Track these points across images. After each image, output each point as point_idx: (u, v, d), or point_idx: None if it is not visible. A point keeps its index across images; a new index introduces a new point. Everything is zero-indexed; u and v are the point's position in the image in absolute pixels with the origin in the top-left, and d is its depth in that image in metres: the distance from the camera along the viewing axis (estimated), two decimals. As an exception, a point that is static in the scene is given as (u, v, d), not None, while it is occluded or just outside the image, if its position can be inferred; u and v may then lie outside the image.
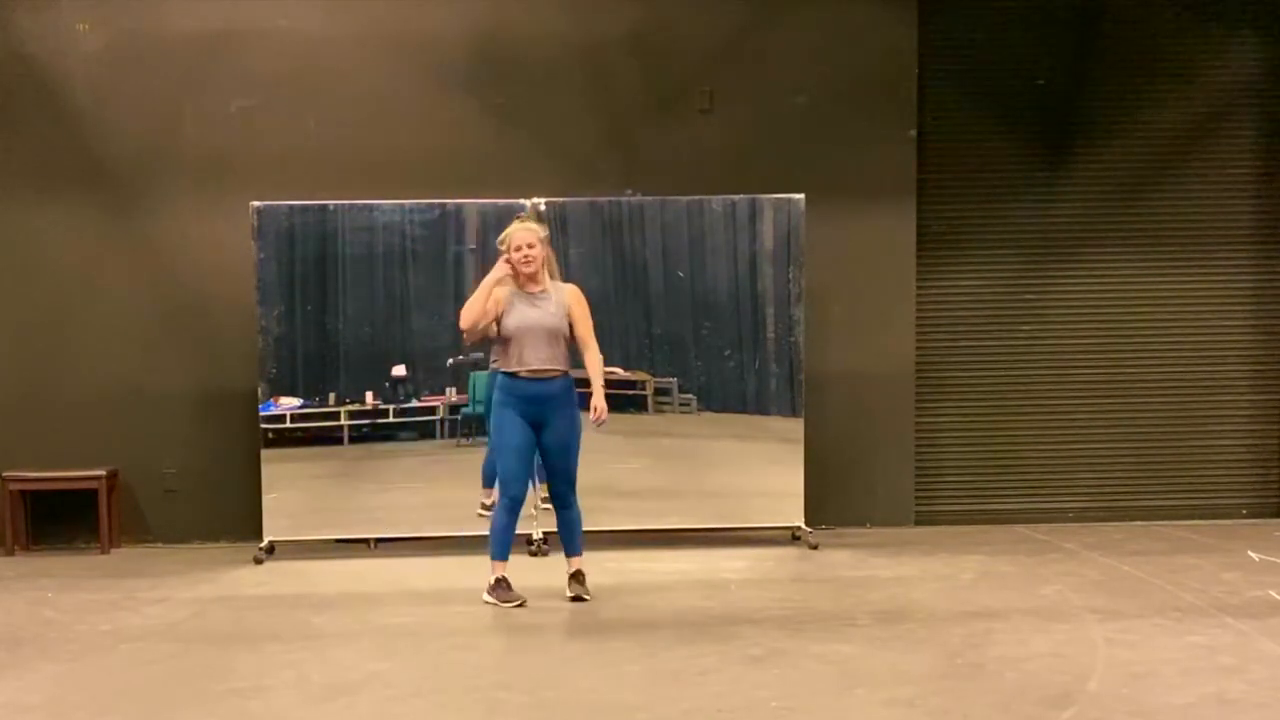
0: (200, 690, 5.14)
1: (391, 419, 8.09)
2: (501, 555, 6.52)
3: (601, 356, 6.53)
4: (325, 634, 6.03)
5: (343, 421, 8.06)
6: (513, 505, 6.47)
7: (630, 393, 8.10)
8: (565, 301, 6.47)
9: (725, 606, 6.47)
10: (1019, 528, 8.56)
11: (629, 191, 8.32)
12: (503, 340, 6.49)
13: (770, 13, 8.50)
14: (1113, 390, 8.80)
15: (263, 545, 7.86)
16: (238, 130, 8.31)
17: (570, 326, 6.45)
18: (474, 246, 8.03)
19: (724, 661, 5.43)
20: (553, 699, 4.96)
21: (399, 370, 8.08)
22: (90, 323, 8.33)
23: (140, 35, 8.28)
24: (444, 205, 8.08)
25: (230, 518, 8.28)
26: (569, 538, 6.67)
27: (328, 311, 8.05)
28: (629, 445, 8.12)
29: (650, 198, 8.23)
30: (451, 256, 8.12)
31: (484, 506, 7.91)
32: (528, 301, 6.43)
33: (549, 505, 7.50)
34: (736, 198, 8.16)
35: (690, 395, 8.24)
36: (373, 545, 8.13)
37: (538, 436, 6.46)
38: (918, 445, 8.68)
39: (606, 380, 6.58)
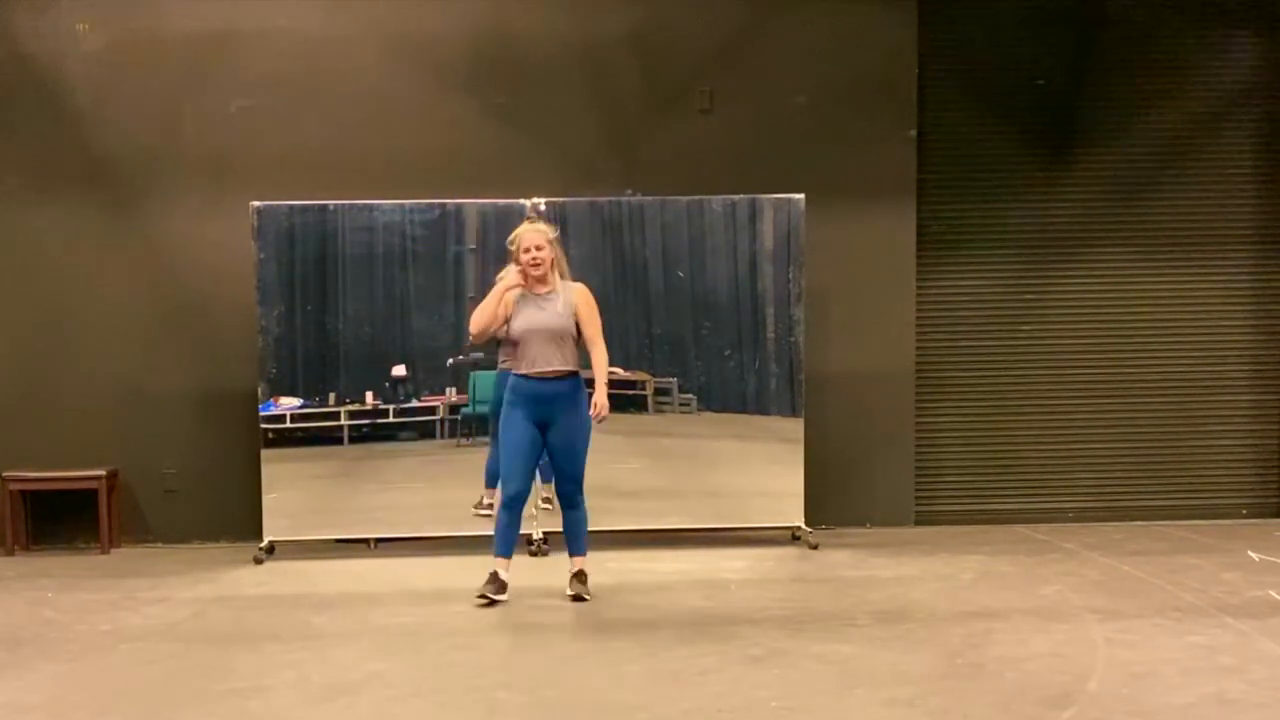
0: (200, 690, 5.14)
1: (391, 419, 8.10)
2: (500, 552, 6.53)
3: (607, 355, 6.55)
4: (325, 634, 6.03)
5: (343, 421, 8.07)
6: (511, 503, 6.47)
7: (630, 393, 8.10)
8: (573, 301, 6.47)
9: (725, 606, 6.47)
10: (1019, 528, 8.56)
11: (629, 191, 8.32)
12: (511, 342, 6.53)
13: (770, 13, 8.50)
14: (1112, 390, 8.80)
15: (263, 545, 7.86)
16: (238, 130, 8.31)
17: (578, 326, 6.47)
18: (474, 246, 8.04)
19: (724, 661, 5.43)
20: (553, 699, 4.96)
21: (399, 370, 8.08)
22: (90, 323, 8.33)
23: (140, 35, 8.28)
24: (444, 205, 8.09)
25: (230, 518, 8.28)
26: (573, 538, 6.67)
27: (328, 311, 8.06)
28: (629, 445, 8.13)
29: (650, 198, 8.24)
30: (451, 257, 8.13)
31: (479, 505, 7.92)
32: (534, 303, 6.44)
33: (549, 505, 7.53)
34: (736, 198, 8.16)
35: (690, 395, 8.25)
36: (373, 545, 8.13)
37: (545, 436, 6.48)
38: (918, 445, 8.68)
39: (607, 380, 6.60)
